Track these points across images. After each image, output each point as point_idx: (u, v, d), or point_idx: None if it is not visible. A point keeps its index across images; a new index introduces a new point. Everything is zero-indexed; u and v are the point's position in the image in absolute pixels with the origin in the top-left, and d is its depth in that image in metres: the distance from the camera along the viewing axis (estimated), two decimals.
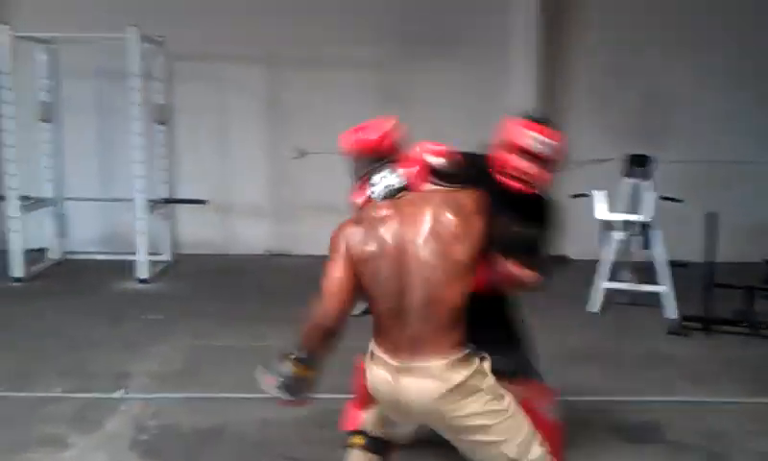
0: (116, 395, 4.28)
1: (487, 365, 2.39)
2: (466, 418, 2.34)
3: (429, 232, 2.34)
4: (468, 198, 2.45)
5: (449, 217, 2.36)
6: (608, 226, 6.20)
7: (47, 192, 7.42)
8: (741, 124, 8.17)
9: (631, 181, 6.27)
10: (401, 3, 7.99)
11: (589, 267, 6.21)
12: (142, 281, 6.73)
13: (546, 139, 2.94)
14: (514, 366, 2.82)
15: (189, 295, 6.60)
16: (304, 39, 7.79)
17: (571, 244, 8.14)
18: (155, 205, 7.05)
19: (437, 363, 2.30)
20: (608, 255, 6.16)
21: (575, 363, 4.79)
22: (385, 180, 2.52)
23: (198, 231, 7.95)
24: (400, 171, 2.56)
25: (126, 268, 6.86)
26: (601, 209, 6.11)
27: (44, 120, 7.33)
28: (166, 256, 7.43)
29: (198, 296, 6.55)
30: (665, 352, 5.20)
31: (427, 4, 8.01)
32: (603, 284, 6.14)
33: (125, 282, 6.73)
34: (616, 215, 6.09)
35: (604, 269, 6.14)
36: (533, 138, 2.93)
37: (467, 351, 2.34)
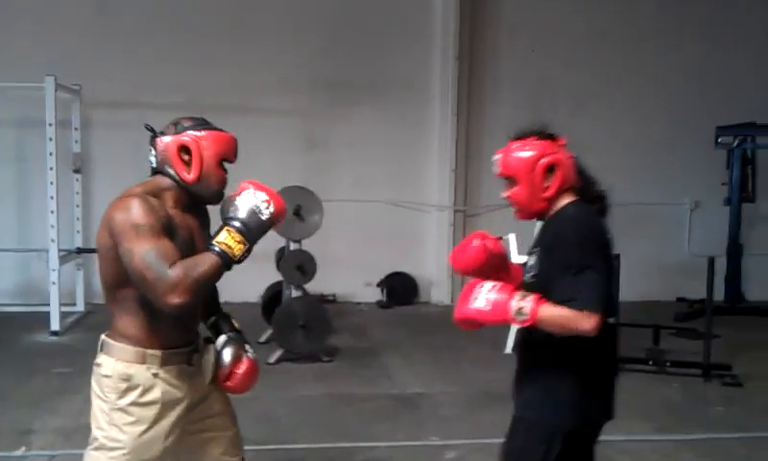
0: (17, 453, 4.14)
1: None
2: None
3: None
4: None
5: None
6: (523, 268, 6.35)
7: None
8: (648, 171, 8.57)
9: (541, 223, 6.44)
10: (323, 51, 8.13)
11: None
12: (54, 334, 6.54)
13: (497, 156, 2.50)
14: None
15: None
16: (227, 87, 7.84)
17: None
18: (68, 254, 6.90)
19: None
20: None
21: (487, 405, 4.85)
22: None
23: None
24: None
25: (40, 320, 6.66)
26: (515, 253, 6.25)
27: None
28: (80, 307, 7.25)
29: None
30: None
31: (349, 52, 8.19)
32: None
33: (37, 335, 6.53)
34: (528, 258, 6.20)
35: None
36: (493, 161, 2.53)
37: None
